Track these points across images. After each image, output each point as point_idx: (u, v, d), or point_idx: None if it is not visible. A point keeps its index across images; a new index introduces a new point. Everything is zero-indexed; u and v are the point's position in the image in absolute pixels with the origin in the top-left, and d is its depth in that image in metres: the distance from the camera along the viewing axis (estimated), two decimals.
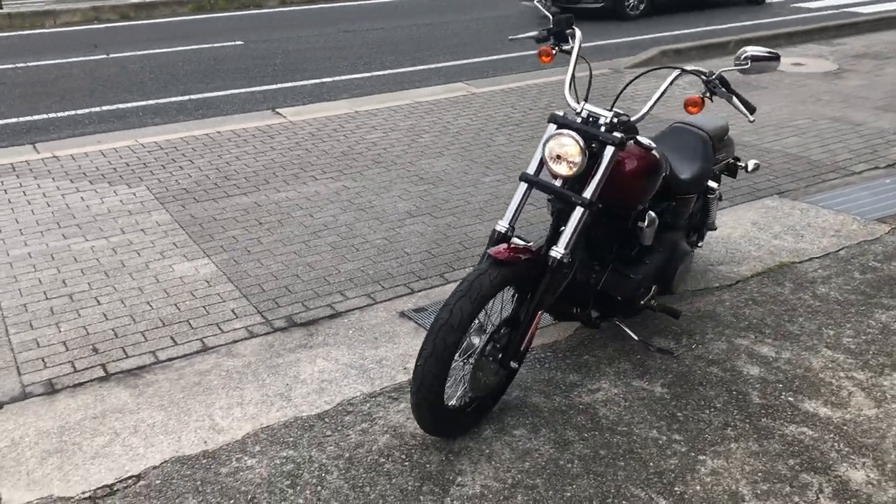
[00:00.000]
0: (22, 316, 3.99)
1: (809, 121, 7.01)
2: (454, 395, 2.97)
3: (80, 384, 3.44)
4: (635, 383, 3.32)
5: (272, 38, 11.65)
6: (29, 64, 10.01)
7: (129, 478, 2.86)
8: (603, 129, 2.93)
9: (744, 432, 3.00)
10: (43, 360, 3.61)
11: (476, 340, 2.87)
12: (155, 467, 2.91)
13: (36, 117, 7.70)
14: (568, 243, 2.92)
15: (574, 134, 2.86)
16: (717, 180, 4.09)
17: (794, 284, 4.11)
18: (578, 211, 2.92)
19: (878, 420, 3.05)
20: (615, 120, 2.93)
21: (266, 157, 6.25)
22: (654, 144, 3.08)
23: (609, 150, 2.90)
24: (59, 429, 3.13)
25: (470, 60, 9.99)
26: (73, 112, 7.86)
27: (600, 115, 2.97)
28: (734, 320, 3.78)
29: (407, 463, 2.87)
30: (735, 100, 2.93)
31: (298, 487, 2.77)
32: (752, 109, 2.97)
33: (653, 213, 3.26)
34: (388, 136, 6.75)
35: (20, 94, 8.57)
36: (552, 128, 3.00)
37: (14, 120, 7.62)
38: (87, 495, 2.77)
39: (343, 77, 9.22)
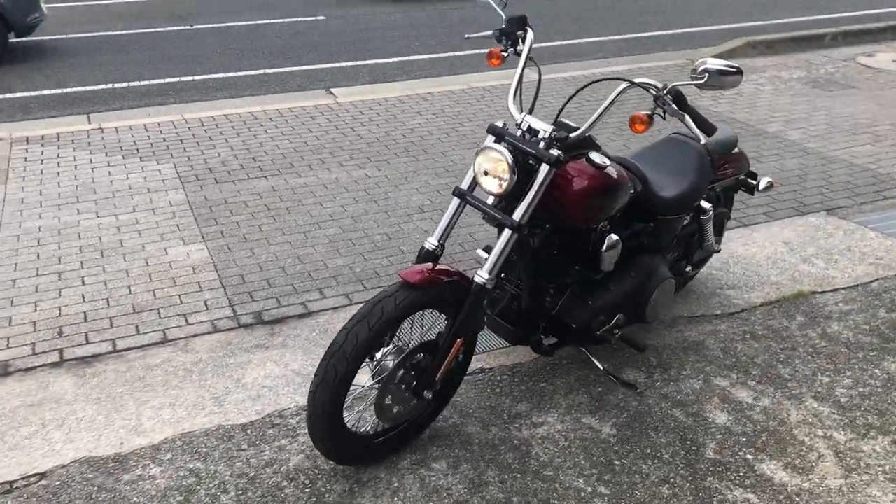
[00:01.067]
0: (8, 292, 4.04)
1: (892, 127, 6.35)
2: (367, 421, 2.78)
3: (32, 368, 3.44)
4: (584, 420, 3.04)
5: (355, 13, 11.58)
6: (112, 33, 10.28)
7: (34, 475, 2.82)
8: (541, 144, 2.64)
9: (681, 492, 2.69)
10: (7, 340, 3.63)
11: (390, 364, 2.67)
12: (62, 466, 2.86)
13: (101, 87, 7.89)
14: (492, 268, 2.67)
15: (502, 149, 2.60)
16: (721, 199, 3.70)
17: (806, 318, 3.69)
18: (506, 233, 2.66)
19: (839, 494, 2.66)
20: (554, 135, 2.64)
21: (300, 138, 6.16)
22: (607, 162, 2.77)
23: (543, 169, 2.63)
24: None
25: (551, 43, 9.60)
26: (137, 83, 8.01)
27: (540, 129, 2.68)
28: (721, 356, 3.42)
29: (307, 490, 2.71)
30: (688, 119, 2.58)
31: None
32: (709, 131, 2.61)
33: (615, 237, 2.96)
34: (430, 122, 6.55)
35: (98, 62, 8.81)
36: (489, 139, 2.74)
37: (82, 88, 7.83)
38: (41, 473, 2.74)
39: (414, 57, 9.04)
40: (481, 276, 2.65)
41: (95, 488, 2.74)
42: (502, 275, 2.97)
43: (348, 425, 2.70)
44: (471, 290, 2.65)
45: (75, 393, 3.26)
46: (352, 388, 2.58)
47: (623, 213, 3.10)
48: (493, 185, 2.64)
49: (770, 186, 3.69)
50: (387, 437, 2.81)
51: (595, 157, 2.75)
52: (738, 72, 2.58)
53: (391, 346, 2.72)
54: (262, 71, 8.45)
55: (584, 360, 3.37)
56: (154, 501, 2.68)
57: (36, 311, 3.87)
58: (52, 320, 3.78)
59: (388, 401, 2.66)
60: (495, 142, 2.72)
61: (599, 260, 2.97)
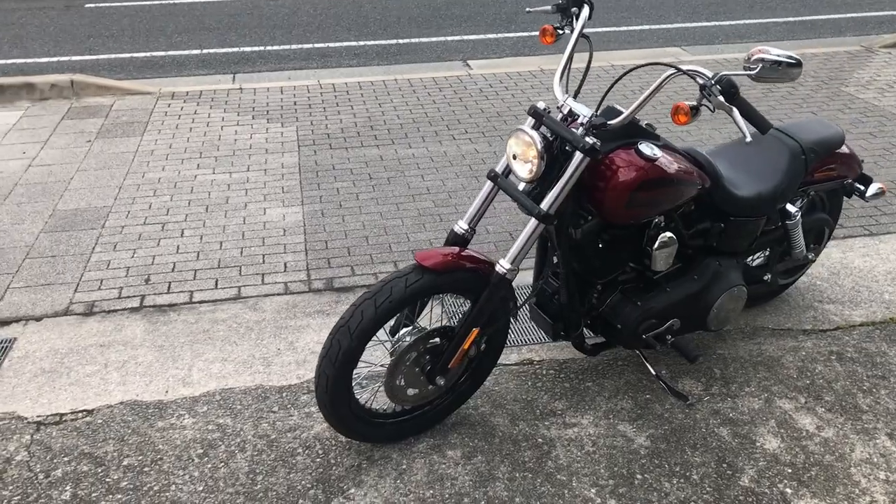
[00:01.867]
0: (115, 237, 4.31)
1: None
2: (384, 400, 2.76)
3: (113, 311, 3.66)
4: (621, 427, 2.87)
5: None
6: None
7: (82, 411, 3.00)
8: (580, 130, 2.48)
9: None
10: (100, 282, 3.89)
11: (405, 345, 2.62)
12: (109, 406, 3.03)
13: (252, 48, 8.24)
14: (514, 257, 2.55)
15: (533, 132, 2.46)
16: (824, 204, 3.36)
17: None
18: (532, 222, 2.53)
19: None
20: (593, 121, 2.47)
21: (422, 109, 6.17)
22: (658, 154, 2.56)
23: (577, 157, 2.46)
24: (67, 350, 3.36)
25: (711, 23, 9.07)
26: (289, 46, 8.29)
27: (580, 113, 2.51)
28: (794, 375, 3.12)
29: (318, 460, 2.73)
30: (735, 113, 2.31)
31: (205, 459, 2.74)
32: (762, 127, 2.33)
33: (668, 235, 2.74)
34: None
35: (255, 24, 9.21)
36: (528, 121, 2.61)
37: (236, 49, 8.21)
38: (39, 419, 2.95)
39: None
40: (502, 265, 2.54)
41: (130, 431, 2.88)
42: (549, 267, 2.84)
43: (361, 402, 2.68)
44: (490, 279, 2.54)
45: (143, 338, 3.44)
46: (364, 365, 2.56)
47: (691, 210, 2.87)
48: (524, 171, 2.51)
49: (880, 193, 3.29)
50: (404, 418, 2.77)
51: (644, 147, 2.55)
52: (798, 64, 2.30)
53: (412, 326, 2.67)
54: (407, 40, 8.51)
55: (640, 363, 3.17)
56: (177, 450, 2.78)
57: (133, 257, 4.11)
58: (143, 267, 4.00)
59: (399, 382, 2.62)
60: (534, 125, 2.58)
61: (651, 258, 2.77)
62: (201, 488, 2.60)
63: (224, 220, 4.50)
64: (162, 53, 8.08)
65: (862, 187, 3.30)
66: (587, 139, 2.43)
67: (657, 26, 9.06)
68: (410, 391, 2.66)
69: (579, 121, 2.51)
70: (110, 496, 2.57)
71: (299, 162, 5.25)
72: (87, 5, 10.17)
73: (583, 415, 2.93)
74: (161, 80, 7.14)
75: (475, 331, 2.60)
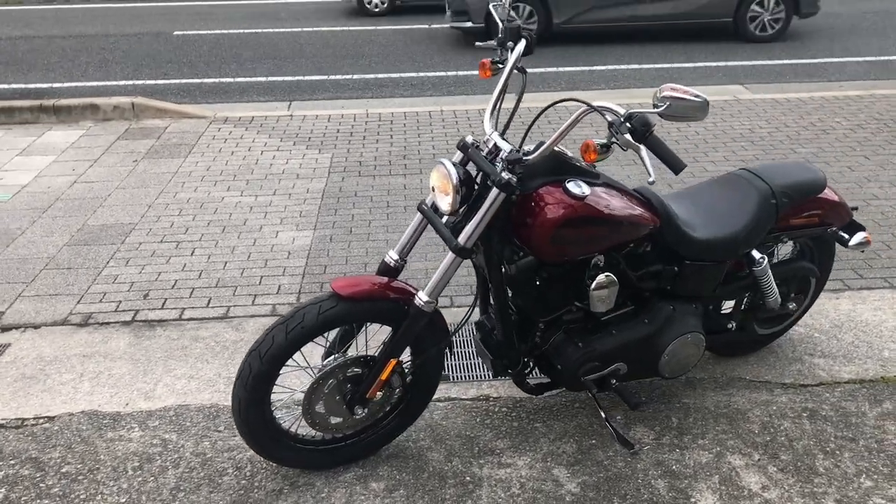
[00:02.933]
0: (130, 252, 4.51)
1: None
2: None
3: (106, 323, 3.82)
4: (556, 471, 2.78)
5: None
6: (348, 29, 10.96)
7: (44, 417, 3.13)
8: (500, 166, 2.45)
9: None
10: (103, 295, 4.06)
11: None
12: (70, 415, 3.15)
13: (314, 77, 8.48)
14: (433, 290, 2.53)
15: (450, 166, 2.45)
16: (811, 253, 3.20)
17: None
18: (449, 256, 2.50)
19: None
20: (511, 157, 2.43)
21: (455, 139, 6.19)
22: (586, 191, 2.50)
23: (493, 192, 2.43)
24: (52, 358, 3.52)
25: (801, 61, 8.77)
26: (350, 76, 8.50)
27: (502, 149, 2.49)
28: (756, 431, 2.95)
29: (244, 482, 2.76)
30: (643, 152, 2.23)
31: (138, 472, 2.81)
32: (676, 168, 2.24)
33: (605, 276, 2.66)
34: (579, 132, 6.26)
35: (322, 54, 9.48)
36: (456, 155, 2.60)
37: (299, 78, 8.48)
38: (3, 422, 3.10)
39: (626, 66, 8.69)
40: (420, 298, 2.52)
41: (79, 440, 2.99)
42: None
43: (286, 427, 2.70)
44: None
45: (124, 351, 3.57)
46: (285, 391, 2.58)
47: (645, 251, 2.79)
48: (444, 204, 2.49)
49: (865, 244, 3.10)
50: (335, 446, 2.77)
51: (572, 185, 2.50)
52: (704, 103, 2.21)
53: (338, 354, 2.67)
54: (466, 72, 8.57)
55: (605, 404, 3.07)
56: (116, 462, 2.87)
57: (140, 272, 4.28)
58: (147, 283, 4.16)
59: (319, 409, 2.62)
60: (462, 159, 2.57)
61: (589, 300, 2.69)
62: (124, 500, 2.67)
63: (236, 241, 4.62)
64: (229, 80, 8.42)
65: (846, 236, 3.11)
66: (503, 174, 2.40)
67: (721, 63, 8.83)
68: (333, 419, 2.66)
69: (502, 155, 2.48)
70: (38, 501, 2.67)
71: (325, 188, 5.35)
72: (176, 33, 10.71)
73: (521, 456, 2.86)
74: (221, 104, 7.43)
75: (392, 362, 2.58)
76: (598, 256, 2.67)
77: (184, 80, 8.41)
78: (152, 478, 2.77)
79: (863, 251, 3.27)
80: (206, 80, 8.39)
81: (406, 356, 2.70)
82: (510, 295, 2.73)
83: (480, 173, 2.52)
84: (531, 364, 2.88)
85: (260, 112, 7.05)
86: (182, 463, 2.85)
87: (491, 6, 2.82)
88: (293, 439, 2.70)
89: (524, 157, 2.43)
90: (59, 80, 8.52)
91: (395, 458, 2.85)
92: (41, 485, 2.74)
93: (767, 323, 3.30)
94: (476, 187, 2.53)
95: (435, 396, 3.17)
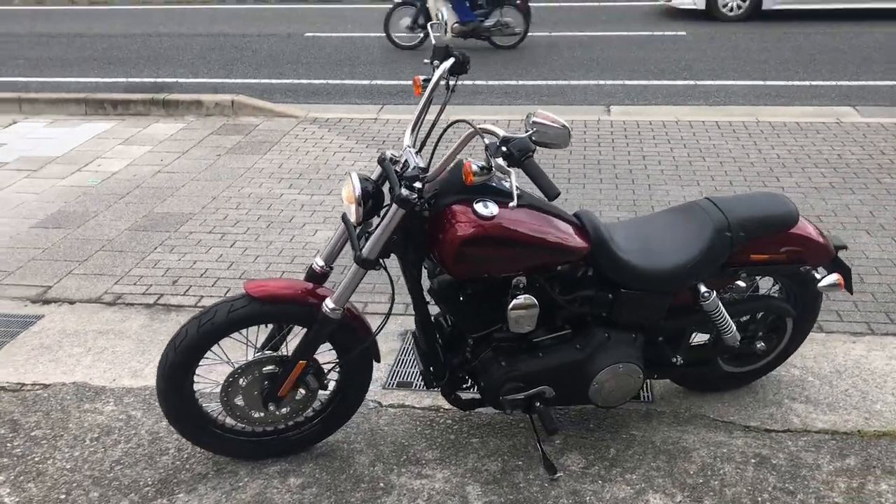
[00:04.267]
0: (178, 240, 4.85)
1: None
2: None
3: (130, 305, 4.15)
4: (469, 488, 2.79)
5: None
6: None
7: (40, 385, 3.46)
8: (403, 182, 2.50)
9: None
10: (139, 278, 4.41)
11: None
12: (63, 384, 3.45)
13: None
14: (339, 298, 2.61)
15: (355, 180, 2.53)
16: (790, 293, 3.03)
17: (860, 464, 2.85)
18: (353, 266, 2.58)
19: None
20: (410, 174, 2.48)
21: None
22: (494, 212, 2.50)
23: (393, 207, 2.49)
24: (72, 332, 3.87)
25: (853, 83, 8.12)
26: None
27: (410, 165, 2.54)
28: (692, 472, 2.83)
29: (178, 463, 2.94)
30: (512, 176, 2.23)
31: (93, 443, 3.06)
32: (549, 195, 2.21)
33: (524, 298, 2.65)
34: (669, 151, 6.09)
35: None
36: (376, 169, 2.67)
37: (400, 82, 8.69)
38: (4, 385, 3.45)
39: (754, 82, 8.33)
40: (327, 304, 2.61)
41: (59, 408, 3.28)
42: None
43: (214, 416, 2.85)
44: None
45: (135, 332, 3.87)
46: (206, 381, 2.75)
47: (580, 276, 2.75)
48: (350, 214, 2.57)
49: (835, 287, 2.88)
50: (265, 439, 2.90)
51: (480, 205, 2.51)
52: (565, 128, 2.18)
53: (271, 350, 2.81)
54: (567, 82, 8.49)
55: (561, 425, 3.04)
56: (79, 431, 3.13)
57: (179, 260, 4.60)
58: (180, 270, 4.47)
59: (238, 401, 2.76)
60: (381, 173, 2.65)
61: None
62: (69, 466, 2.92)
63: (276, 236, 4.86)
64: (337, 81, 8.77)
65: (818, 276, 2.91)
66: (402, 190, 2.45)
67: (832, 83, 8.27)
68: (255, 413, 2.79)
69: (408, 172, 2.52)
70: None
71: None
72: (307, 34, 11.25)
73: (444, 469, 2.88)
74: (319, 105, 7.75)
75: (301, 363, 2.69)
76: (519, 277, 2.66)
77: (296, 80, 8.84)
78: (102, 449, 3.01)
79: (828, 296, 3.03)
80: (314, 81, 8.77)
81: (332, 359, 2.80)
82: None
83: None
84: (466, 378, 2.89)
85: (350, 115, 7.31)
86: (134, 439, 3.07)
87: (429, 25, 2.88)
88: (220, 428, 2.85)
89: (422, 176, 2.46)
90: (184, 76, 9.17)
91: (324, 457, 2.95)
92: (7, 444, 3.04)
93: (736, 361, 3.13)
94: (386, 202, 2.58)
95: (389, 402, 3.25)
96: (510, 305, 2.64)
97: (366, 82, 8.71)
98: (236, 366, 2.73)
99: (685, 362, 2.96)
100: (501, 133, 2.27)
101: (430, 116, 2.70)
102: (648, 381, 3.26)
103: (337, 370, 2.87)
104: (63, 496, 2.77)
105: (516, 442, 3.00)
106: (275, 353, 2.76)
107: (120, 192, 5.60)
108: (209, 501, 2.74)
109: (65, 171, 6.05)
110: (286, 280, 2.74)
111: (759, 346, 3.04)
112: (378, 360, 2.88)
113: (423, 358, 2.83)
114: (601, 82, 8.40)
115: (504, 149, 2.24)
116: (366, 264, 2.55)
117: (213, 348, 2.70)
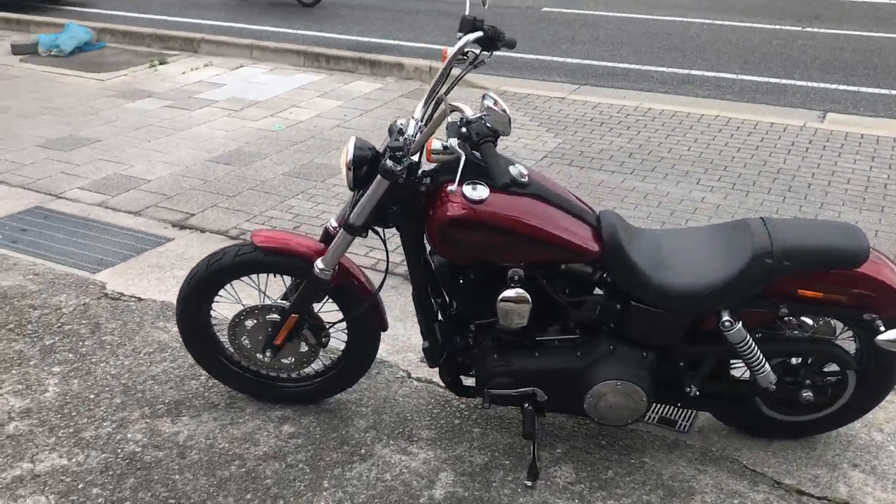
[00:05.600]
0: (320, 191, 5.11)
1: None
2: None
3: (224, 232, 4.45)
4: (443, 475, 2.72)
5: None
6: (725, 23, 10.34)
7: (135, 297, 3.83)
8: (389, 153, 2.45)
9: None
10: (269, 219, 4.72)
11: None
12: (152, 301, 3.80)
13: (617, 65, 8.31)
14: (328, 259, 2.64)
15: (350, 144, 2.53)
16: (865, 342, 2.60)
17: None
18: (341, 231, 2.59)
19: None
20: (391, 145, 2.43)
21: (705, 148, 5.79)
22: (482, 196, 2.40)
23: (378, 177, 2.46)
24: (188, 257, 4.23)
25: None
26: (663, 69, 8.19)
27: (407, 135, 2.49)
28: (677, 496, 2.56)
29: (200, 389, 3.15)
30: (462, 160, 2.13)
31: (144, 356, 3.35)
32: (495, 180, 2.09)
33: (515, 291, 2.52)
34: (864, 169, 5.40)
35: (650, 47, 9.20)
36: (385, 137, 2.65)
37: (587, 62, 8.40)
38: (108, 292, 3.87)
39: None
40: (317, 265, 2.65)
41: (136, 321, 3.60)
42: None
43: (226, 349, 2.99)
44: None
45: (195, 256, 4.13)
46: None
47: (602, 280, 2.57)
48: (344, 178, 2.58)
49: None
50: (271, 382, 3.02)
51: (469, 187, 2.42)
52: (504, 112, 2.03)
53: (282, 300, 2.92)
54: (788, 81, 7.74)
55: (555, 431, 2.90)
56: (141, 345, 3.42)
57: (311, 208, 4.86)
58: (306, 217, 4.72)
59: (244, 341, 2.89)
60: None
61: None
62: (113, 372, 3.22)
63: None
64: (551, 58, 8.64)
65: (883, 328, 2.46)
66: (387, 161, 2.40)
67: None
68: (258, 356, 2.90)
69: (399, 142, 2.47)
70: (67, 353, 3.34)
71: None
72: (543, 9, 11.18)
73: (430, 450, 2.83)
74: (514, 80, 7.70)
75: (293, 316, 2.75)
76: (515, 268, 2.53)
77: (538, 57, 8.83)
78: (148, 364, 3.28)
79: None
80: (569, 61, 8.70)
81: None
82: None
83: None
84: (468, 364, 2.80)
85: (540, 91, 7.21)
86: (178, 361, 3.32)
87: None
88: (228, 360, 2.99)
89: (406, 148, 2.40)
90: (407, 40, 9.42)
91: (326, 413, 3.01)
92: (80, 342, 3.41)
93: (779, 406, 2.75)
94: None
95: (417, 375, 3.23)
96: (499, 297, 2.51)
97: (573, 61, 8.50)
98: (243, 307, 2.85)
99: (702, 394, 2.64)
100: (469, 113, 2.17)
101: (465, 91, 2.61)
102: (691, 410, 2.96)
103: (345, 332, 2.89)
104: (92, 396, 3.07)
105: (516, 441, 2.87)
106: (280, 303, 2.84)
107: (294, 140, 5.97)
108: (204, 429, 2.90)
109: (259, 115, 6.55)
110: (292, 234, 2.80)
111: (805, 395, 2.64)
112: (384, 329, 2.87)
113: (423, 335, 2.78)
114: (823, 86, 7.55)
115: (464, 129, 2.14)
116: (351, 230, 2.55)
117: (227, 288, 2.83)
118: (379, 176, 2.43)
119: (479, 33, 2.61)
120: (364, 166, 2.51)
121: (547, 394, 2.63)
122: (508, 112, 2.20)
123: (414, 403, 3.06)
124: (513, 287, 2.51)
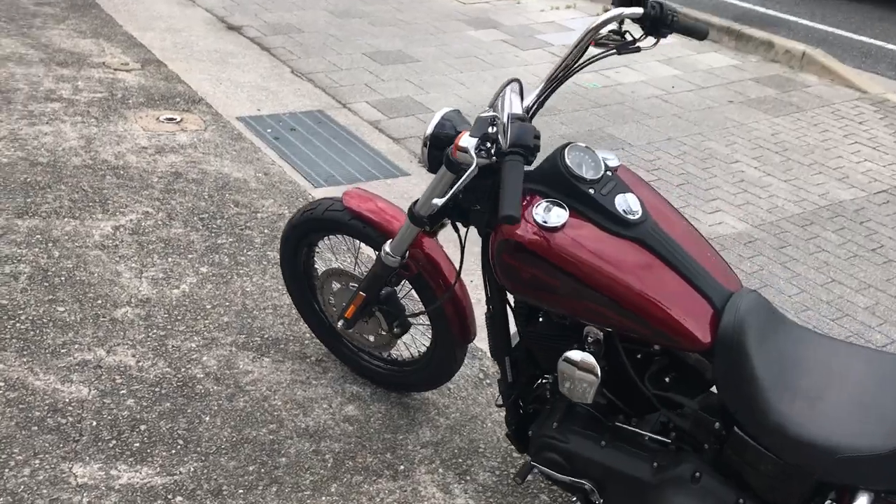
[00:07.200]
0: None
1: None
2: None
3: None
4: (443, 478, 2.26)
5: None
6: None
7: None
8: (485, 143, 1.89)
9: None
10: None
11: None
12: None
13: None
14: (395, 246, 2.26)
15: (437, 116, 2.07)
16: None
17: None
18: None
19: None
20: (488, 134, 1.85)
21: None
22: (555, 224, 1.81)
23: (470, 167, 1.88)
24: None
25: None
26: None
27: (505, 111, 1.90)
28: None
29: (304, 337, 2.97)
30: (467, 172, 1.53)
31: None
32: (499, 214, 1.48)
33: (582, 355, 1.91)
34: None
35: None
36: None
37: None
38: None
39: None
40: (385, 247, 2.28)
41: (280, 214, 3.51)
42: None
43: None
44: None
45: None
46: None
47: (699, 375, 1.89)
48: (422, 157, 2.13)
49: None
50: (357, 355, 2.73)
51: (543, 208, 1.85)
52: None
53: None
54: None
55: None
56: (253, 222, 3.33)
57: None
58: None
59: (330, 298, 2.62)
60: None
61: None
62: (247, 289, 3.13)
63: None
64: None
65: None
66: (478, 153, 1.85)
67: None
68: (337, 319, 2.60)
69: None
70: (226, 255, 3.31)
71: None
72: None
73: (472, 497, 2.36)
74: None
75: (360, 295, 2.40)
76: (592, 328, 1.91)
77: None
78: (283, 293, 3.14)
79: None
80: None
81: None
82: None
83: None
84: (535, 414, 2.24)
85: None
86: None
87: None
88: (321, 309, 2.72)
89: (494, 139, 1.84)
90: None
91: (401, 407, 2.67)
92: (245, 249, 3.37)
93: None
94: None
95: None
96: (561, 357, 1.91)
97: None
98: (333, 266, 2.57)
99: None
100: (517, 108, 1.59)
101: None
102: None
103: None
104: (209, 306, 3.02)
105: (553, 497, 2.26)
106: (358, 275, 2.51)
107: (599, 103, 5.46)
108: (273, 379, 2.71)
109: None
110: (388, 204, 2.42)
111: None
112: (467, 340, 2.40)
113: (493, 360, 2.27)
114: None
115: (492, 129, 1.58)
116: (414, 219, 2.11)
117: (325, 240, 2.59)
118: (471, 167, 1.87)
119: (639, 10, 1.93)
120: (446, 147, 2.01)
121: (602, 497, 1.98)
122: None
123: (497, 437, 2.56)
124: (583, 350, 1.88)
